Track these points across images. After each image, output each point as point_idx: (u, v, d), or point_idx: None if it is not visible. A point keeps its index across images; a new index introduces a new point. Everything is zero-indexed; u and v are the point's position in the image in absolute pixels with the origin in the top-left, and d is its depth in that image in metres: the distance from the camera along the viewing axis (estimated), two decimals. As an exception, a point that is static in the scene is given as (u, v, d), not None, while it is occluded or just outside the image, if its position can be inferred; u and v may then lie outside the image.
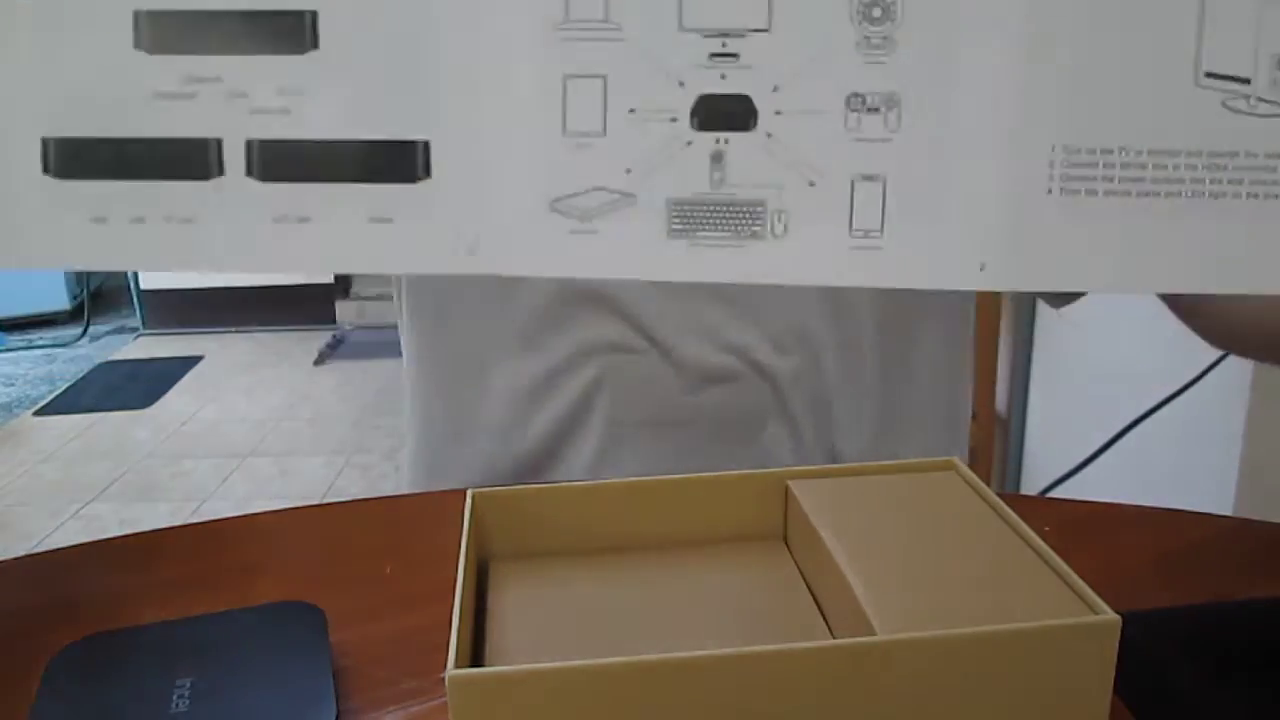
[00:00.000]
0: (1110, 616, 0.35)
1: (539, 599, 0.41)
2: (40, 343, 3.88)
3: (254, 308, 3.76)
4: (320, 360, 3.52)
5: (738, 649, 0.33)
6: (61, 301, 4.03)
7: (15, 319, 3.97)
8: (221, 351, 3.68)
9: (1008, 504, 0.43)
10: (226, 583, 0.52)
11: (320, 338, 3.61)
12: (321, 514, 0.63)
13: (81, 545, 0.56)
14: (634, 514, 0.45)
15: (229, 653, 0.42)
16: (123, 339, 3.91)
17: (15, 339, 3.89)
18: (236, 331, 3.83)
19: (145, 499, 2.60)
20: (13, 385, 3.45)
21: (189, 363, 3.58)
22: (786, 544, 0.47)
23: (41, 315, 4.02)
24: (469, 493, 0.42)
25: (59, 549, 0.56)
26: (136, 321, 3.96)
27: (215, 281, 3.83)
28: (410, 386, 0.74)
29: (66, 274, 4.02)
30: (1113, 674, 0.35)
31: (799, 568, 0.45)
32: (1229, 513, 1.18)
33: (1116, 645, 0.35)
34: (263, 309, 3.72)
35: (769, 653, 0.33)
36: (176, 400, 3.27)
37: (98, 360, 3.67)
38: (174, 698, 0.39)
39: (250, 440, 2.93)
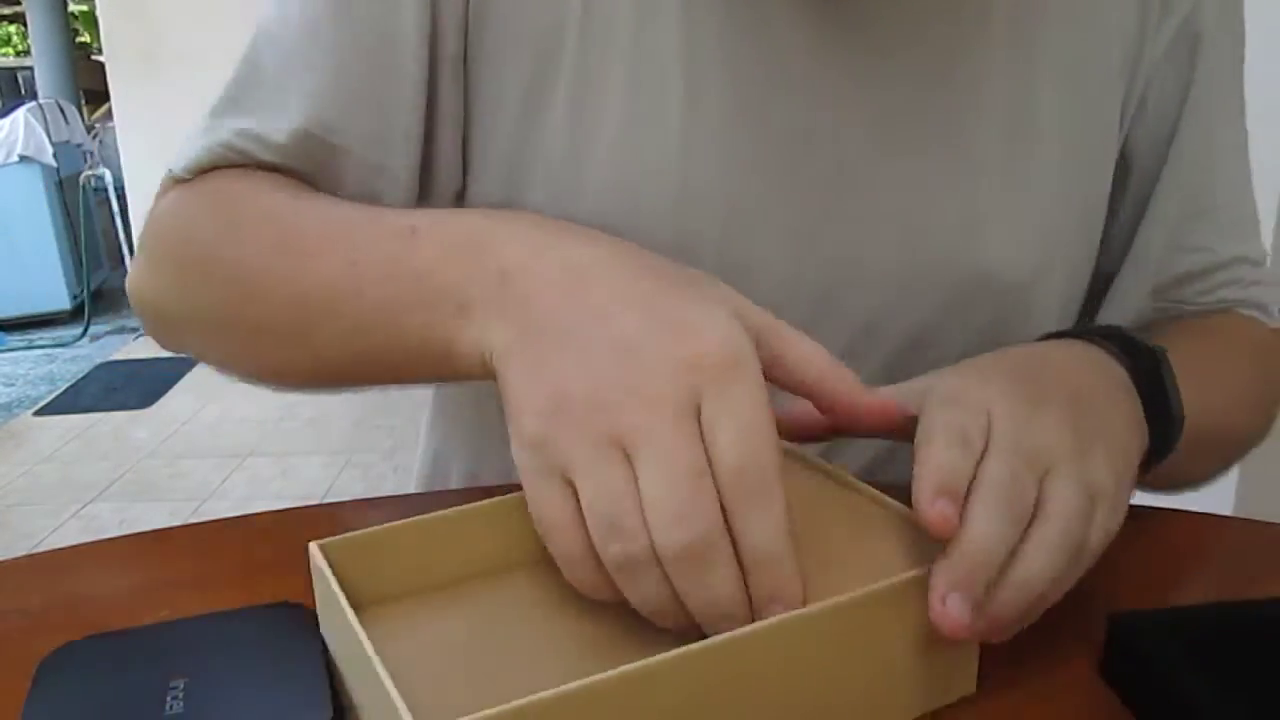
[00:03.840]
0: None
1: (422, 646, 0.40)
2: (40, 343, 3.88)
3: (254, 308, 3.76)
4: (320, 360, 3.52)
5: (638, 664, 0.32)
6: (62, 302, 4.03)
7: (15, 319, 3.97)
8: (221, 351, 3.68)
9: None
10: (226, 583, 0.52)
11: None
12: (322, 514, 0.63)
13: (81, 545, 0.56)
14: (483, 539, 0.44)
15: (222, 654, 0.42)
16: (123, 339, 3.91)
17: (15, 339, 3.89)
18: (236, 331, 3.83)
19: (145, 499, 2.60)
20: (13, 385, 3.45)
21: (189, 363, 3.58)
22: None
23: (41, 315, 4.03)
24: (312, 547, 0.40)
25: (59, 549, 0.55)
26: (136, 321, 3.95)
27: (215, 281, 3.83)
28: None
29: (66, 274, 4.02)
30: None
31: None
32: (1229, 513, 1.18)
33: None
34: (263, 309, 3.72)
35: (675, 658, 0.33)
36: (176, 400, 3.27)
37: (98, 360, 3.67)
38: (168, 699, 0.38)
39: (250, 440, 2.93)
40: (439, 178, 0.59)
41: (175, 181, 0.60)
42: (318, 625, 0.43)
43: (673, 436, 0.36)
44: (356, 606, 0.37)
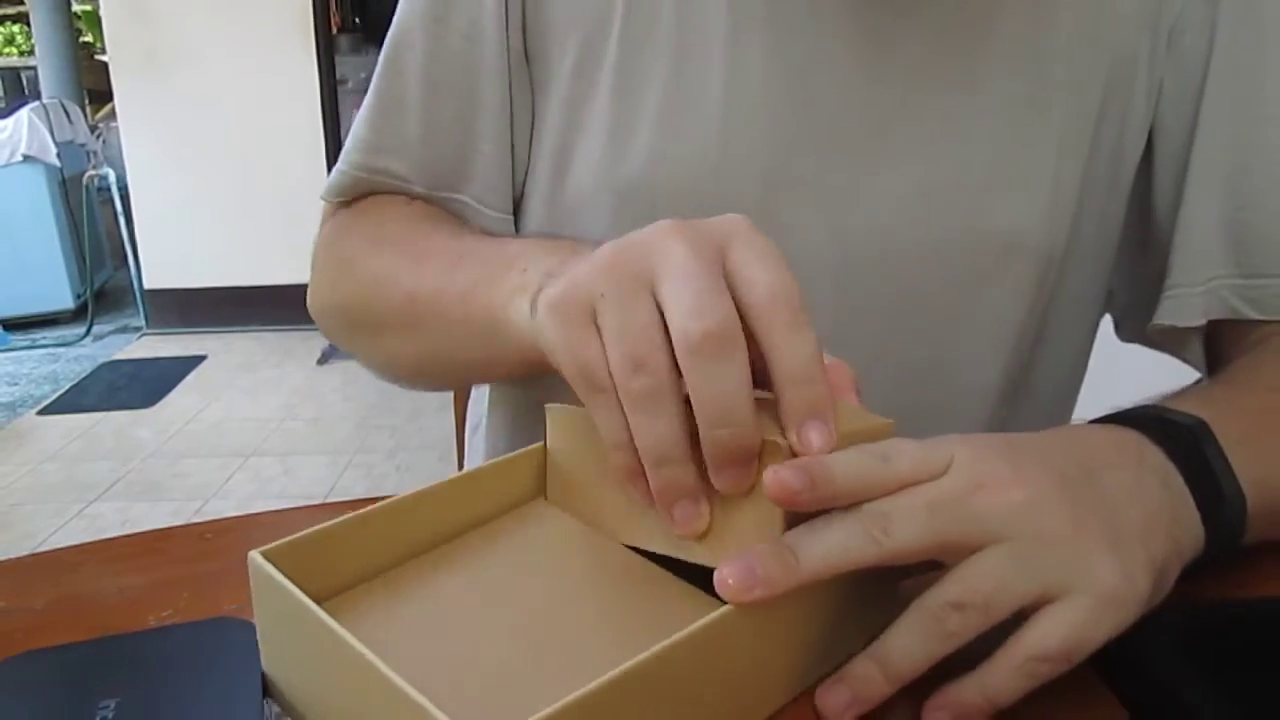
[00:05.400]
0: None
1: (385, 640, 0.39)
2: (44, 342, 3.88)
3: (257, 307, 3.76)
4: (323, 360, 3.52)
5: (651, 652, 0.33)
6: (65, 301, 4.03)
7: (19, 318, 3.97)
8: (224, 351, 3.68)
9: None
10: (229, 583, 0.52)
11: (323, 337, 3.61)
12: (324, 514, 0.63)
13: (84, 545, 0.56)
14: (418, 527, 0.44)
15: (156, 671, 0.41)
16: (126, 338, 3.92)
17: (19, 338, 3.89)
18: (239, 331, 3.83)
19: (148, 499, 2.61)
20: (16, 385, 3.45)
21: (192, 362, 3.59)
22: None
23: (45, 315, 4.03)
24: (252, 556, 0.40)
25: (62, 548, 0.56)
26: (140, 321, 3.96)
27: (218, 281, 3.84)
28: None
29: (70, 273, 4.03)
30: None
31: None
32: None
33: None
34: (266, 308, 3.72)
35: (684, 639, 0.34)
36: (179, 400, 3.27)
37: (101, 360, 3.68)
38: (97, 718, 0.38)
39: (253, 440, 2.93)
40: (515, 170, 0.65)
41: (332, 207, 0.69)
42: (256, 641, 0.42)
43: (692, 259, 0.37)
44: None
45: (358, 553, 0.43)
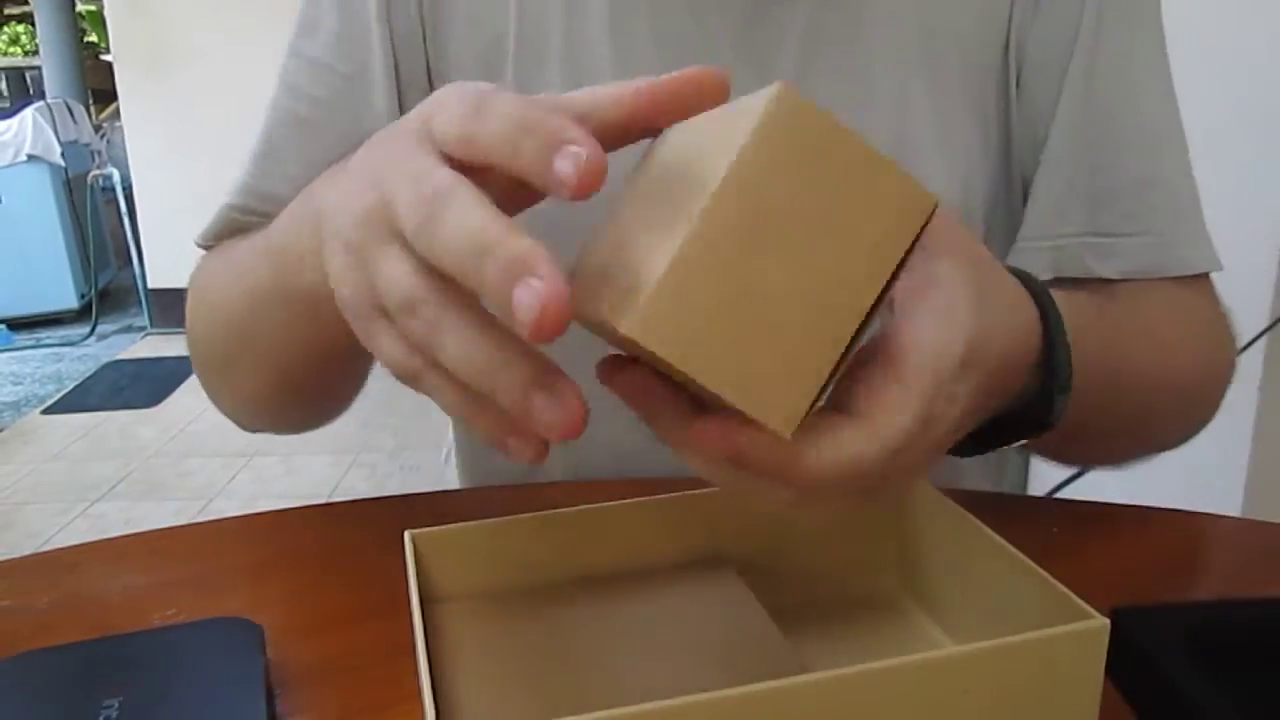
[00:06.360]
0: (1099, 621, 0.34)
1: (491, 646, 0.40)
2: (48, 342, 3.89)
3: (260, 307, 3.76)
4: (326, 359, 3.52)
5: (709, 694, 0.30)
6: (69, 300, 4.04)
7: (23, 318, 3.98)
8: (228, 351, 3.69)
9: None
10: (232, 582, 0.52)
11: (326, 337, 3.61)
12: (327, 513, 0.63)
13: (87, 544, 0.56)
14: (583, 544, 0.44)
15: (160, 671, 0.41)
16: (130, 338, 3.92)
17: (23, 338, 3.90)
18: (243, 331, 3.83)
19: (151, 498, 2.61)
20: (20, 384, 3.46)
21: (196, 362, 3.59)
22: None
23: (49, 314, 4.03)
24: (406, 535, 0.40)
25: (65, 548, 0.56)
26: (144, 320, 3.97)
27: (222, 281, 3.84)
28: None
29: (74, 273, 4.03)
30: (1101, 676, 0.35)
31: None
32: (1237, 514, 1.17)
33: (1105, 649, 0.34)
34: (269, 308, 3.72)
35: (758, 692, 0.31)
36: (183, 399, 3.27)
37: (105, 359, 3.68)
38: (101, 718, 0.38)
39: (256, 439, 2.91)
40: None
41: (205, 251, 0.67)
42: (261, 642, 0.42)
43: (411, 158, 0.34)
44: (443, 598, 0.41)
45: (516, 555, 0.43)
